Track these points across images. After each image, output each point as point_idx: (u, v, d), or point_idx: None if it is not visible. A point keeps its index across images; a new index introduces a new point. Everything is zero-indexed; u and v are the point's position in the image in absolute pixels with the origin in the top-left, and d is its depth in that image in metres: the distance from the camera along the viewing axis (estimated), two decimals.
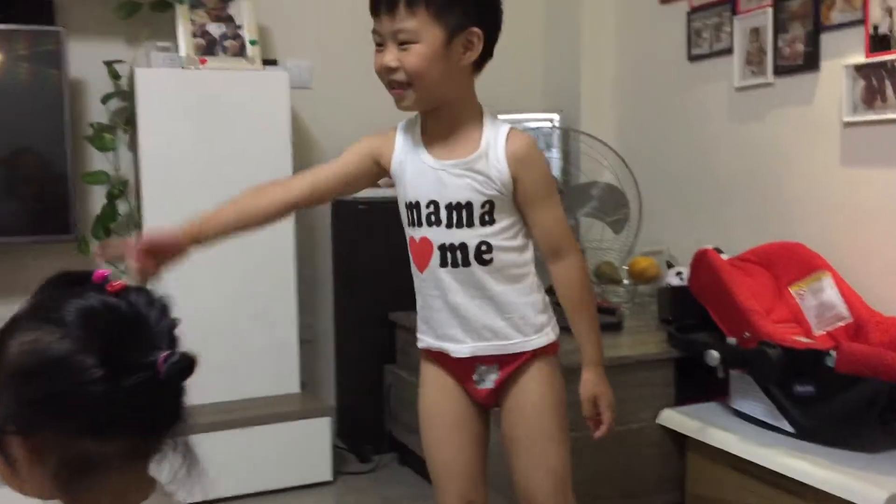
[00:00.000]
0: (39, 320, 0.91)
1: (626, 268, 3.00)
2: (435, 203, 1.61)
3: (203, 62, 2.82)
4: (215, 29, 2.86)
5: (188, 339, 0.96)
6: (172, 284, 1.16)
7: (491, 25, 1.58)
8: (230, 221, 1.60)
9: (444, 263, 1.62)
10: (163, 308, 0.96)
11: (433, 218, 1.61)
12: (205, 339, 1.14)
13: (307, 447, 2.85)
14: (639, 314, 2.90)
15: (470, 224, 1.59)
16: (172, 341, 0.95)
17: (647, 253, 3.03)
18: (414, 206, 1.63)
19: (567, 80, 3.45)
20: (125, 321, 0.92)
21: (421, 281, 1.68)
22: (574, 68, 3.41)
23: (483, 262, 1.60)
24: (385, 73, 1.54)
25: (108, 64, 2.88)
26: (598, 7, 3.38)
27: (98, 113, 2.95)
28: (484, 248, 1.60)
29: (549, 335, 1.68)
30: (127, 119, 2.91)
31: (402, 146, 1.65)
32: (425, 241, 1.63)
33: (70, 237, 2.77)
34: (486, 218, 1.59)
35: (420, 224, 1.63)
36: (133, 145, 2.91)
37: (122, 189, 2.91)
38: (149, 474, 0.98)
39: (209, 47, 2.84)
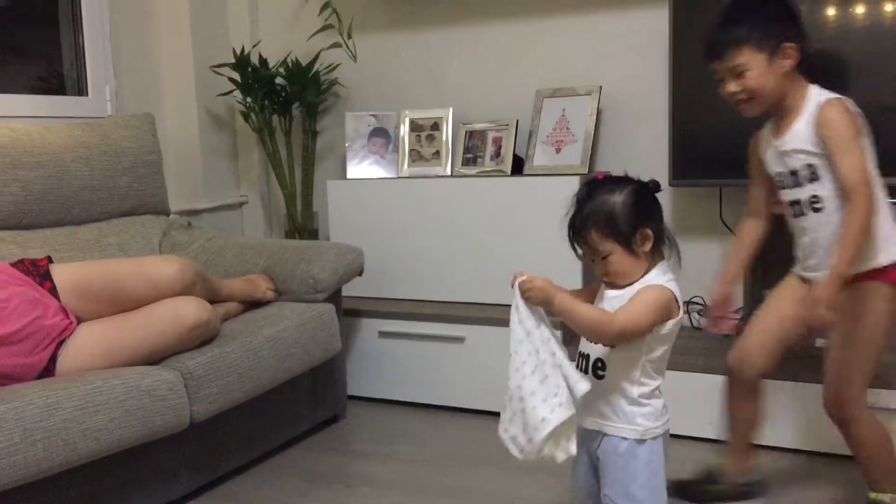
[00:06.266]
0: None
1: None
2: (780, 172, 2.13)
3: None
4: None
5: None
6: None
7: (799, 34, 2.03)
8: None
9: (793, 214, 2.13)
10: None
11: (781, 183, 2.13)
12: None
13: None
14: None
15: (800, 185, 2.08)
16: None
17: None
18: (771, 178, 2.18)
19: None
20: None
21: (789, 223, 2.18)
22: None
23: (816, 210, 2.06)
24: (730, 96, 2.07)
25: None
26: None
27: None
28: (813, 199, 2.06)
29: (878, 262, 2.03)
30: None
31: (764, 137, 2.18)
32: (782, 199, 2.16)
33: None
34: (812, 177, 2.04)
35: (779, 188, 2.16)
36: None
37: None
38: None
39: None
